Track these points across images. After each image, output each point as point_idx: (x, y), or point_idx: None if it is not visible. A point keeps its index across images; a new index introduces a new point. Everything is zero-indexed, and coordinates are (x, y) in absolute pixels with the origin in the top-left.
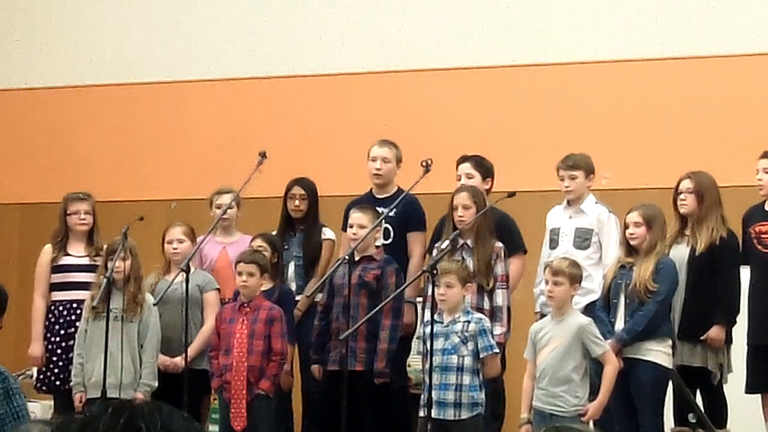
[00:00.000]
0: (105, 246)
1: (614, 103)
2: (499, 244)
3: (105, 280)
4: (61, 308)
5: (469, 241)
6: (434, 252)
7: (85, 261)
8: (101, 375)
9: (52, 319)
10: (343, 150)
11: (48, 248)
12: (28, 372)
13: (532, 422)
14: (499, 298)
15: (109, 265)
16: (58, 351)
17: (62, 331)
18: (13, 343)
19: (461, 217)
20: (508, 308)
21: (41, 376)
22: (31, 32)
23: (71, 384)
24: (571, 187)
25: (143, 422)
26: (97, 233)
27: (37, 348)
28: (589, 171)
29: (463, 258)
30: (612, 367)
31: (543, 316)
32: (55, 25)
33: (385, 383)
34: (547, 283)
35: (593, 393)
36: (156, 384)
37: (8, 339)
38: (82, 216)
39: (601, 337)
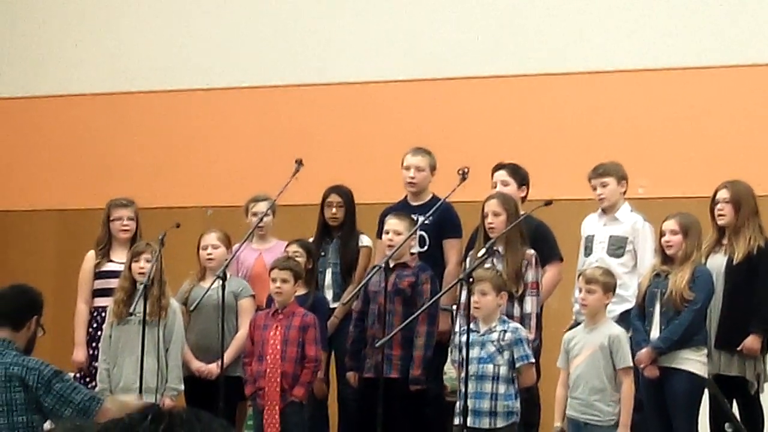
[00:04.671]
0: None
1: (651, 111)
2: (531, 251)
3: (141, 285)
4: (103, 314)
5: (499, 248)
6: (468, 260)
7: None
8: (129, 379)
9: (95, 325)
10: (379, 157)
11: (91, 254)
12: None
13: (566, 431)
14: (529, 305)
15: (134, 267)
16: None
17: None
18: (49, 349)
19: (491, 224)
20: (538, 315)
21: (82, 382)
22: (67, 39)
23: (96, 390)
24: (603, 194)
25: (182, 430)
26: (140, 240)
27: (80, 353)
28: (621, 177)
29: (493, 264)
30: (628, 385)
31: (578, 324)
32: (91, 32)
33: (420, 390)
34: (580, 291)
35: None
36: (182, 387)
37: (45, 345)
38: (125, 222)
39: (629, 352)
